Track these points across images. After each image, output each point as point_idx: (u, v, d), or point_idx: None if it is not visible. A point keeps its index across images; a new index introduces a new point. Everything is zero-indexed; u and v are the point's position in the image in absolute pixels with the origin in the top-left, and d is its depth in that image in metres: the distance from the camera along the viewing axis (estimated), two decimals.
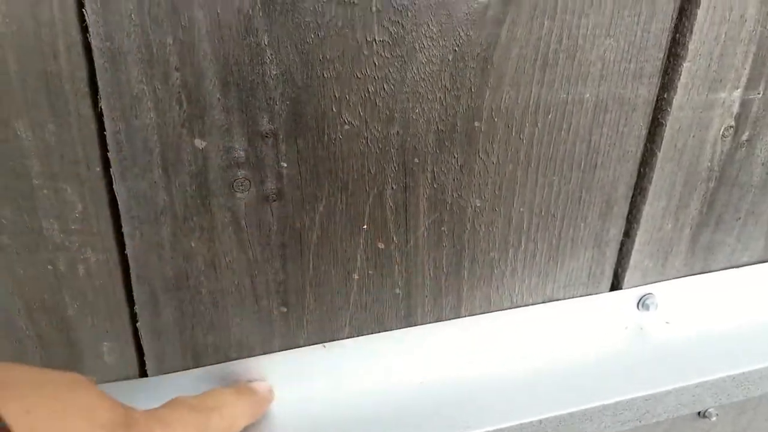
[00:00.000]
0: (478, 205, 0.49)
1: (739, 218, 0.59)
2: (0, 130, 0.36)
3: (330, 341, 0.51)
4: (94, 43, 0.35)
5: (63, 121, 0.37)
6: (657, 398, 0.56)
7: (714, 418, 0.66)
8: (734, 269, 0.62)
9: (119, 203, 0.41)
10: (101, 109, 0.37)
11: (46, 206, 0.39)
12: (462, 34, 0.42)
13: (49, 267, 0.41)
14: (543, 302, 0.57)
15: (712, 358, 0.60)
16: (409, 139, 0.45)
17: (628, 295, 0.60)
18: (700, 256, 0.60)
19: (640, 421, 0.56)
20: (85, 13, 0.35)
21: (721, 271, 0.62)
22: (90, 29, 0.35)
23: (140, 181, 0.40)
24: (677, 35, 0.48)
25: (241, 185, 0.42)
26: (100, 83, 0.37)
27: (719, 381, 0.58)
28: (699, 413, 0.66)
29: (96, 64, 0.36)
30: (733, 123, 0.53)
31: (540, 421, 0.52)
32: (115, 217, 0.41)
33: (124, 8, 0.35)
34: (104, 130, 0.38)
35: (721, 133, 0.54)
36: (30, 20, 0.34)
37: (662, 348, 0.60)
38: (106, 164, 0.39)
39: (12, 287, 0.41)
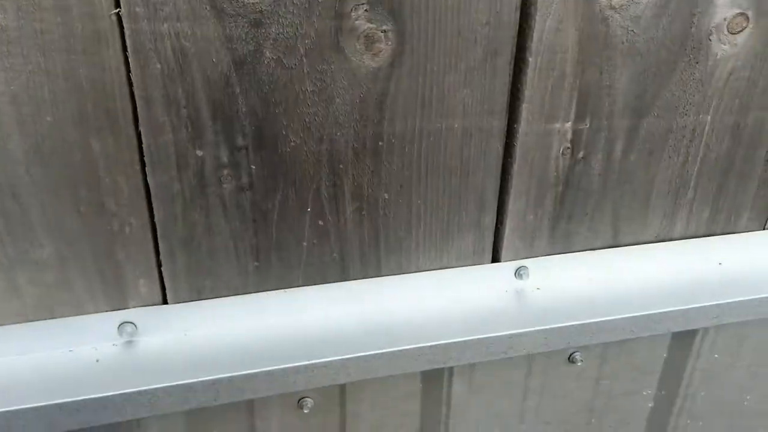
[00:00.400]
0: (387, 198, 0.71)
1: (587, 214, 0.80)
2: (82, 144, 0.59)
3: (288, 288, 0.73)
4: (137, 92, 0.58)
5: (117, 137, 0.60)
6: (521, 336, 0.76)
7: (580, 363, 0.86)
8: (589, 251, 0.83)
9: (151, 189, 0.63)
10: (140, 130, 0.60)
11: (106, 190, 0.62)
12: (364, 86, 0.64)
13: (108, 227, 0.64)
14: (440, 269, 0.78)
15: (572, 314, 0.79)
16: (335, 153, 0.67)
17: (506, 267, 0.80)
18: (561, 240, 0.81)
19: (506, 353, 0.76)
20: (131, 76, 0.58)
21: (579, 252, 0.82)
22: (133, 81, 0.58)
23: (164, 176, 0.63)
24: (516, 86, 0.69)
25: (226, 180, 0.64)
26: (139, 115, 0.59)
27: (578, 326, 0.77)
28: (568, 358, 0.86)
29: (137, 104, 0.59)
30: (569, 145, 0.74)
31: (429, 347, 0.72)
32: (148, 198, 0.64)
33: (153, 71, 0.58)
34: (142, 144, 0.61)
35: (561, 152, 0.74)
36: (93, 74, 0.57)
37: (534, 307, 0.80)
38: (143, 165, 0.62)
39: (85, 241, 0.64)
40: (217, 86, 0.60)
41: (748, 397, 0.99)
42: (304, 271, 0.72)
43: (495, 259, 0.80)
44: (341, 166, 0.67)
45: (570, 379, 0.88)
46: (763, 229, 0.88)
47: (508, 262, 0.80)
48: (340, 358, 0.70)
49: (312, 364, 0.69)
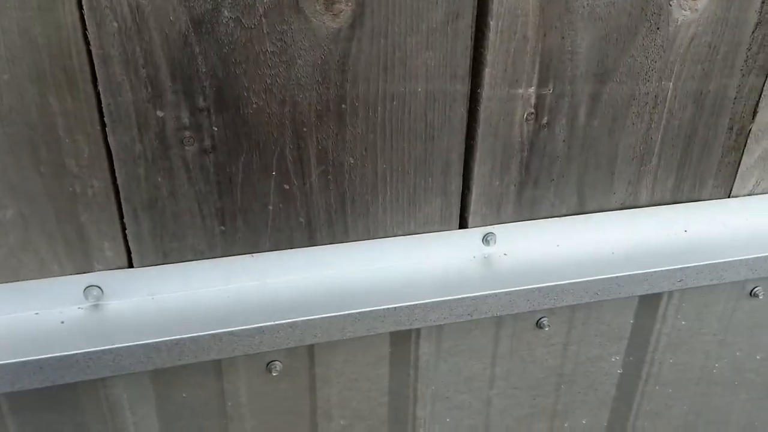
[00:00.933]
0: (352, 162, 0.68)
1: (553, 180, 0.77)
2: (41, 102, 0.57)
3: (256, 252, 0.70)
4: (94, 50, 0.56)
5: (75, 96, 0.57)
6: (486, 297, 0.73)
7: (548, 329, 0.84)
8: (556, 218, 0.80)
9: (112, 150, 0.60)
10: (99, 90, 0.57)
11: (67, 150, 0.59)
12: (325, 47, 0.61)
13: (70, 188, 0.61)
14: (408, 234, 0.75)
15: (539, 279, 0.77)
16: (298, 115, 0.64)
17: (473, 233, 0.78)
18: (527, 206, 0.78)
19: (471, 315, 0.74)
20: (87, 33, 0.55)
21: (545, 219, 0.80)
22: (90, 40, 0.55)
23: (124, 136, 0.60)
24: (478, 50, 0.67)
25: (188, 141, 0.62)
26: (97, 74, 0.57)
27: (543, 288, 0.75)
28: (536, 323, 0.84)
29: (95, 63, 0.56)
30: (533, 110, 0.72)
31: (394, 309, 0.70)
32: (110, 159, 0.61)
33: (110, 29, 0.55)
34: (101, 103, 0.58)
35: (525, 117, 0.72)
36: (48, 31, 0.54)
37: (501, 272, 0.78)
38: (103, 125, 0.59)
39: (48, 203, 0.61)
40: (176, 45, 0.57)
41: (716, 365, 0.97)
42: (271, 235, 0.70)
43: (462, 225, 0.77)
44: (305, 129, 0.65)
45: (538, 345, 0.85)
46: (728, 197, 0.85)
47: (476, 228, 0.78)
48: (305, 318, 0.68)
49: (277, 324, 0.67)
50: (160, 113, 0.60)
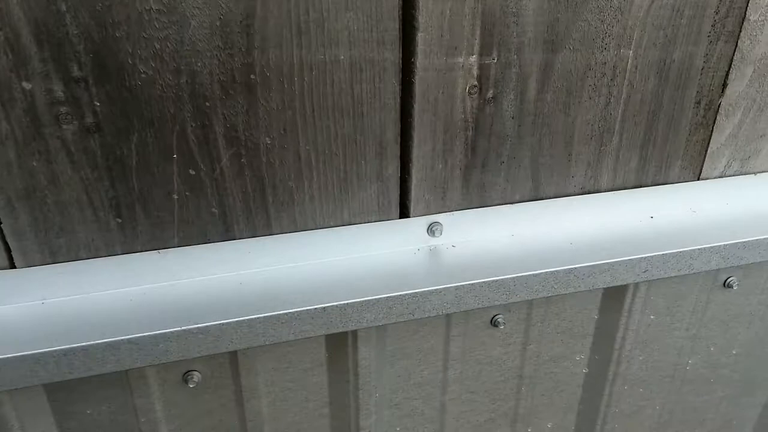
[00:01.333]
0: (269, 142, 0.58)
1: (503, 162, 0.67)
2: None
3: (163, 249, 0.59)
4: None
5: None
6: (430, 294, 0.63)
7: (503, 327, 0.73)
8: (509, 205, 0.70)
9: None
10: None
11: None
12: (224, 6, 0.50)
13: None
14: (342, 225, 0.65)
15: (491, 272, 0.66)
16: (198, 87, 0.53)
17: (416, 223, 0.67)
18: (476, 192, 0.68)
19: (413, 315, 0.63)
20: None
21: (497, 206, 0.70)
22: None
23: None
24: (409, 11, 0.56)
25: (65, 119, 0.51)
26: None
27: (494, 282, 0.64)
28: (491, 321, 0.73)
29: None
30: (476, 83, 0.61)
31: (323, 309, 0.59)
32: None
33: None
34: None
35: (467, 90, 0.61)
36: None
37: (448, 265, 0.67)
38: None
39: None
40: (38, 2, 0.46)
41: (689, 362, 0.87)
42: (179, 229, 0.59)
43: (404, 214, 0.67)
44: (208, 103, 0.54)
45: (494, 345, 0.75)
46: (697, 179, 0.75)
47: (419, 218, 0.67)
48: (218, 322, 0.57)
49: (185, 330, 0.56)
50: (26, 85, 0.49)
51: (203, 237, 0.60)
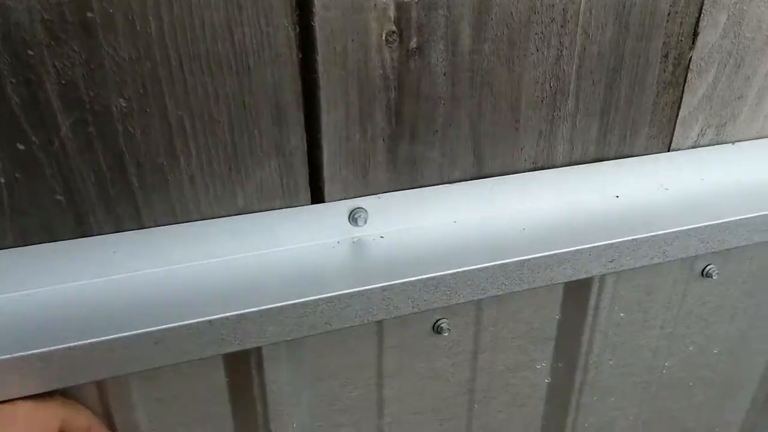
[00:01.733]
0: (124, 105, 0.43)
1: (436, 132, 0.54)
2: None
3: None
4: None
5: None
6: (350, 298, 0.49)
7: (447, 333, 0.60)
8: (447, 185, 0.57)
9: None
10: None
11: None
12: None
13: None
14: (235, 214, 0.51)
15: (428, 267, 0.53)
16: (15, 31, 0.39)
17: (333, 209, 0.54)
18: (405, 170, 0.55)
19: (330, 325, 0.49)
20: None
21: (433, 186, 0.56)
22: None
23: None
24: None
25: None
26: None
27: (430, 280, 0.51)
28: (433, 328, 0.60)
29: None
30: (394, 28, 0.48)
31: (210, 323, 0.45)
32: None
33: None
34: None
35: (384, 38, 0.48)
36: None
37: (376, 261, 0.54)
38: None
39: None
40: None
41: (666, 364, 0.75)
42: (12, 222, 0.44)
43: (317, 198, 0.53)
44: (31, 52, 0.40)
45: (438, 355, 0.61)
46: (668, 150, 0.64)
47: (337, 202, 0.54)
48: (62, 346, 0.42)
49: (15, 358, 0.41)
50: None
51: (47, 233, 0.45)
